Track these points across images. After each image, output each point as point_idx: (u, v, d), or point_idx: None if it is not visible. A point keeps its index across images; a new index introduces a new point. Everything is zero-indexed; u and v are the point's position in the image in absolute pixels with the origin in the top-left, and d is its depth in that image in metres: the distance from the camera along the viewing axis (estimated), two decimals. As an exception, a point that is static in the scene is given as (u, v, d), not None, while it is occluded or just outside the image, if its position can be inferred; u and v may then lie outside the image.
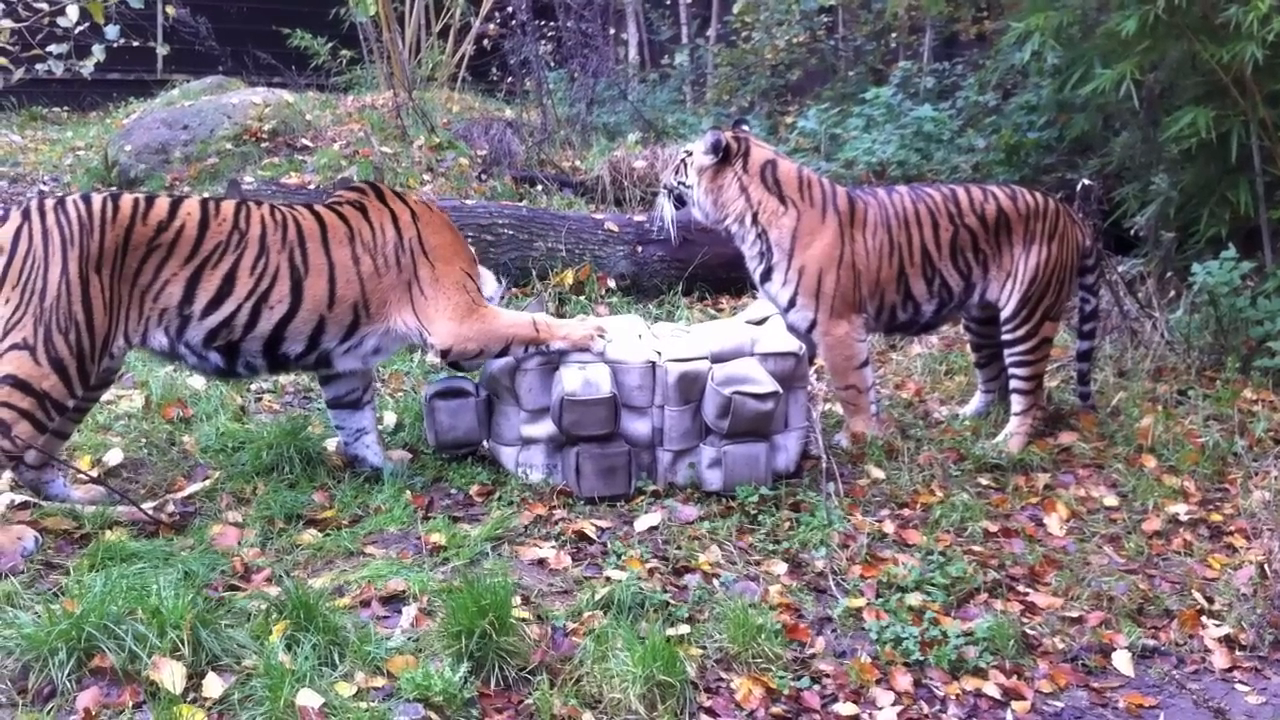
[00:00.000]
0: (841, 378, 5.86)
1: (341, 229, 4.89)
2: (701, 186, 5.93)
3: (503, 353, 5.04)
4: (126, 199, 4.59)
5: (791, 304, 5.77)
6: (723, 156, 5.84)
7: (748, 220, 5.83)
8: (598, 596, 4.17)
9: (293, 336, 4.82)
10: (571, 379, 4.93)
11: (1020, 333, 5.95)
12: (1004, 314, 5.97)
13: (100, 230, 4.44)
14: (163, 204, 4.65)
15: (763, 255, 5.83)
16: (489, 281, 5.30)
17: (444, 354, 4.99)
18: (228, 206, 4.77)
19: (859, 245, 5.78)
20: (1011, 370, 6.02)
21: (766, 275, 5.83)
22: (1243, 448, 5.89)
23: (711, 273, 8.07)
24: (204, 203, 4.75)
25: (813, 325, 5.77)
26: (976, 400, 6.48)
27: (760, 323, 5.49)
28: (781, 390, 5.07)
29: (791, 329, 5.56)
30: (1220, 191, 7.55)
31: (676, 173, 6.06)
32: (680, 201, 6.10)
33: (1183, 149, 7.47)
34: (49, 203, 4.46)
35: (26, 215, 4.42)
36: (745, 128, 6.17)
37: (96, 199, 4.52)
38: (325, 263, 4.82)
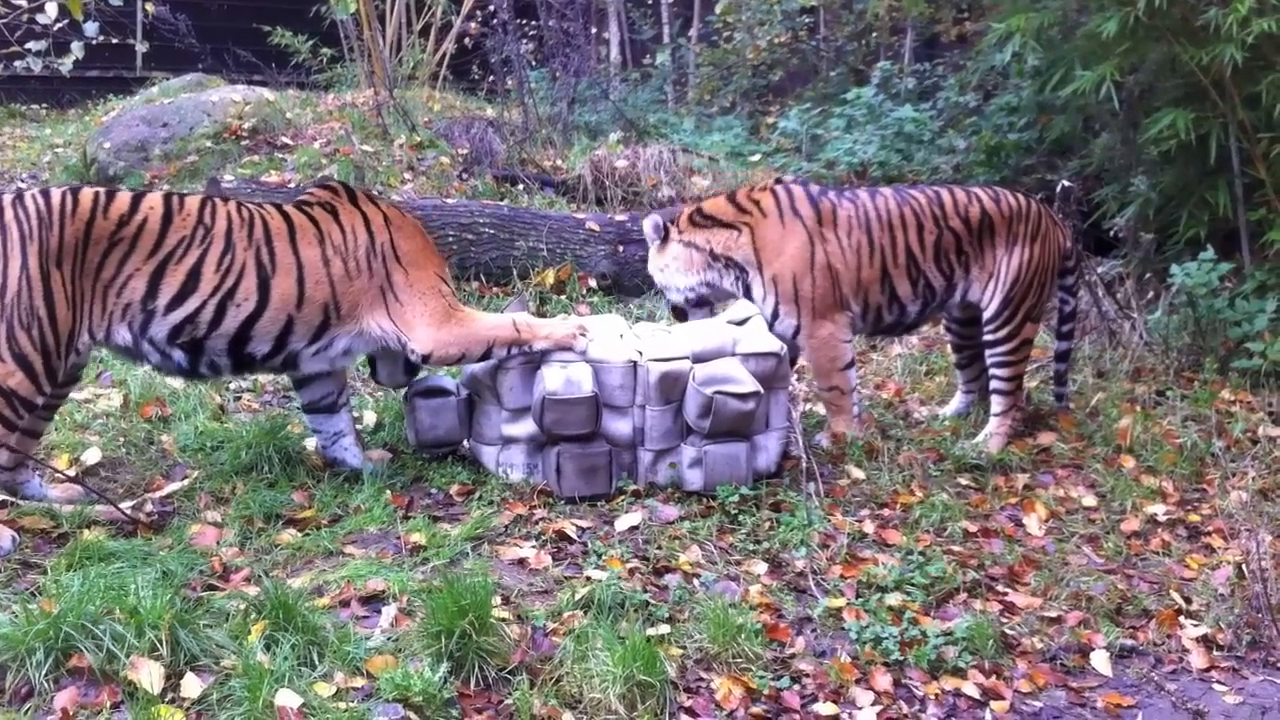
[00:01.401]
0: (825, 379, 5.87)
1: (311, 229, 4.86)
2: (660, 267, 6.02)
3: (485, 355, 5.02)
4: (86, 193, 4.56)
5: (776, 315, 5.79)
6: (664, 234, 5.97)
7: (712, 262, 5.90)
8: (578, 596, 4.17)
9: (259, 336, 4.78)
10: (553, 378, 4.92)
11: (1002, 333, 5.97)
12: (986, 314, 5.99)
13: (59, 225, 4.41)
14: (124, 198, 4.61)
15: (739, 279, 5.86)
16: None
17: (425, 359, 4.98)
18: (192, 201, 4.74)
19: (832, 245, 5.78)
20: (992, 370, 6.03)
21: (748, 293, 5.85)
22: (1220, 448, 5.92)
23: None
24: (167, 197, 4.72)
25: (798, 330, 5.78)
26: (957, 401, 6.50)
27: (742, 323, 5.49)
28: (763, 390, 5.07)
29: (780, 338, 5.56)
30: (1199, 193, 7.58)
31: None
32: (700, 302, 6.09)
33: (1162, 151, 7.50)
34: (6, 198, 4.43)
35: None
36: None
37: (55, 193, 4.49)
38: (294, 262, 4.79)
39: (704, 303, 6.07)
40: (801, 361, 6.02)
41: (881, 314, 5.94)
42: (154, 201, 4.66)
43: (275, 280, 4.75)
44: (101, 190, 4.64)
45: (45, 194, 4.48)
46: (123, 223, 4.55)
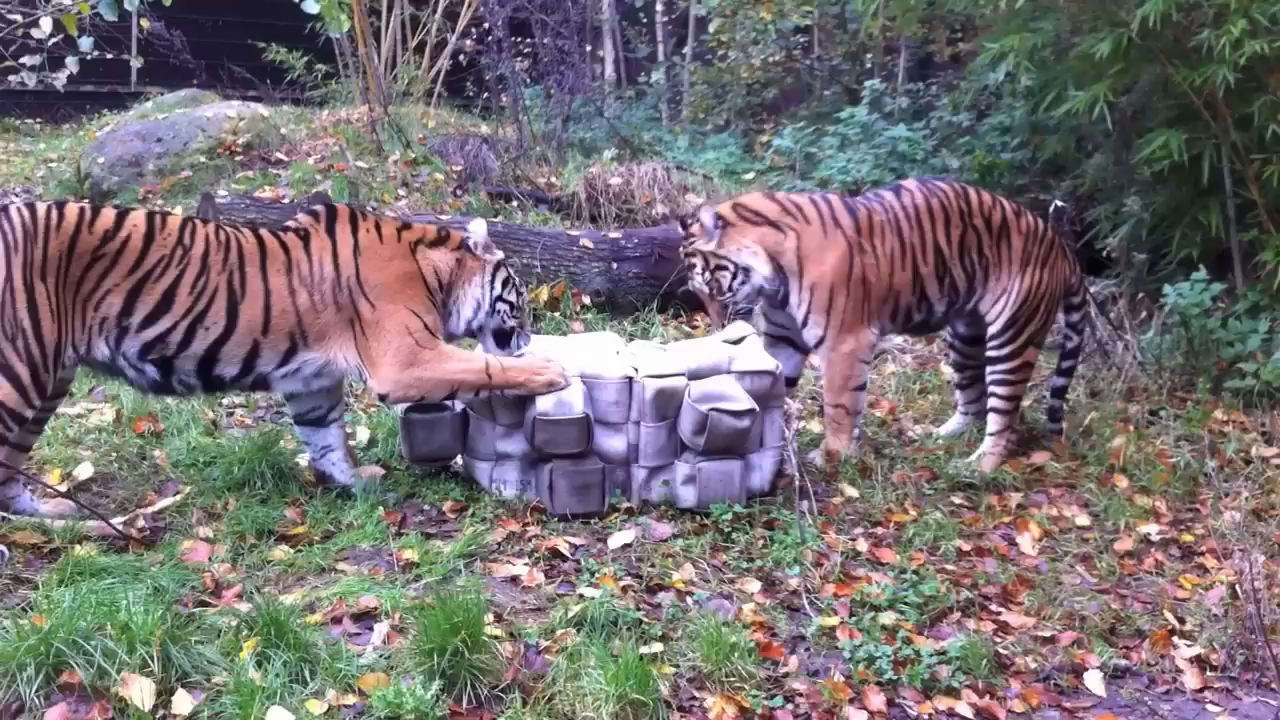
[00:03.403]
0: (835, 395, 5.86)
1: (280, 257, 4.84)
2: (720, 262, 5.81)
3: (449, 396, 5.00)
4: (72, 207, 4.57)
5: (805, 322, 5.80)
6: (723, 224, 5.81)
7: (764, 258, 5.78)
8: (571, 614, 4.15)
9: (227, 359, 4.77)
10: (544, 399, 4.91)
11: (1005, 351, 5.98)
12: (992, 329, 6.00)
13: (44, 237, 4.41)
14: (109, 215, 4.62)
15: (780, 285, 5.82)
16: (477, 226, 5.20)
17: (382, 398, 4.98)
18: (173, 221, 4.75)
19: (869, 257, 5.79)
20: (991, 388, 6.03)
21: (785, 300, 5.84)
22: (1213, 468, 5.92)
23: (687, 290, 8.05)
24: (150, 216, 4.73)
25: (821, 341, 5.80)
26: (954, 421, 6.49)
27: (737, 342, 5.48)
28: (758, 408, 5.06)
29: (802, 345, 5.61)
30: (1192, 214, 7.62)
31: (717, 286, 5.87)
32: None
33: (1155, 171, 7.53)
34: None
35: None
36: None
37: (41, 206, 4.50)
38: (262, 289, 4.77)
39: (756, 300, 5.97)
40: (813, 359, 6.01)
41: (911, 314, 5.98)
42: (137, 219, 4.66)
43: (243, 306, 4.74)
44: (86, 205, 4.65)
45: (31, 207, 4.48)
46: (106, 239, 4.56)
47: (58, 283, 4.44)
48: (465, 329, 5.22)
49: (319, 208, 5.11)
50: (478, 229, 5.21)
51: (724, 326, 5.81)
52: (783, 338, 6.07)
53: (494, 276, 5.20)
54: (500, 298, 5.20)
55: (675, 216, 9.33)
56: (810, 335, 5.82)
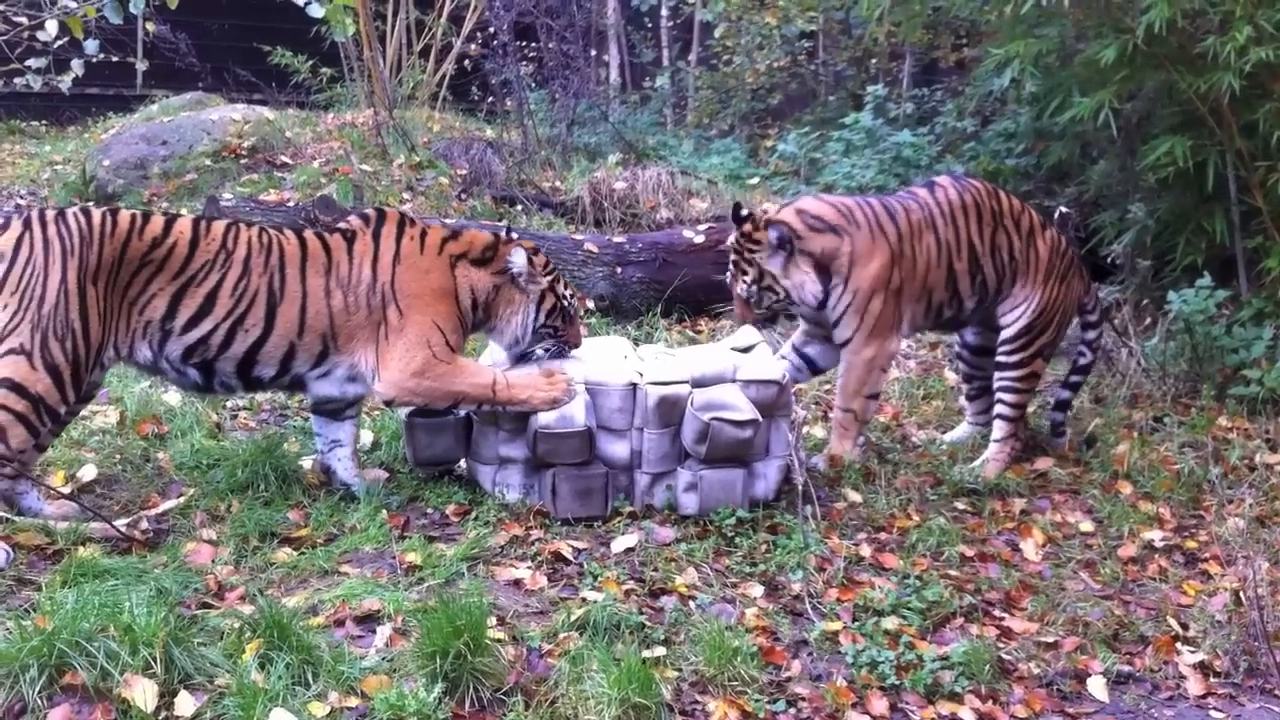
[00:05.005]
0: (847, 400, 5.85)
1: (321, 259, 4.91)
2: (798, 283, 5.71)
3: (451, 407, 5.01)
4: (124, 214, 4.70)
5: (838, 322, 5.77)
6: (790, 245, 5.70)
7: (817, 287, 5.72)
8: (573, 617, 4.16)
9: (265, 360, 4.86)
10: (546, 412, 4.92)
11: (1015, 359, 5.98)
12: (1005, 334, 6.01)
13: (99, 242, 4.54)
14: (158, 221, 4.75)
15: (823, 285, 5.73)
16: (518, 258, 5.12)
17: (388, 403, 5.03)
18: (218, 226, 4.85)
19: (906, 262, 5.77)
20: (999, 394, 6.02)
21: (825, 299, 5.75)
22: (1217, 475, 5.91)
23: (690, 295, 8.08)
24: (195, 222, 4.84)
25: (848, 343, 5.79)
26: (962, 429, 6.48)
27: (746, 350, 5.46)
28: (761, 419, 5.04)
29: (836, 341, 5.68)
30: (1196, 220, 7.62)
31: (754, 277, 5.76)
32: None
33: (1159, 178, 7.53)
34: (50, 213, 4.57)
35: (28, 224, 4.52)
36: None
37: (96, 212, 4.63)
38: (300, 290, 4.85)
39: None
40: (800, 385, 5.99)
41: (942, 310, 5.97)
42: (184, 226, 4.78)
43: (281, 308, 4.83)
44: (138, 212, 4.78)
45: (86, 212, 4.61)
46: (155, 244, 4.68)
47: (107, 286, 4.58)
48: (510, 347, 5.24)
49: (370, 211, 5.16)
50: (518, 260, 5.13)
51: (746, 323, 5.77)
52: (819, 336, 6.04)
53: (539, 305, 5.19)
54: (544, 325, 5.21)
55: (680, 221, 9.32)
56: (839, 335, 5.80)
